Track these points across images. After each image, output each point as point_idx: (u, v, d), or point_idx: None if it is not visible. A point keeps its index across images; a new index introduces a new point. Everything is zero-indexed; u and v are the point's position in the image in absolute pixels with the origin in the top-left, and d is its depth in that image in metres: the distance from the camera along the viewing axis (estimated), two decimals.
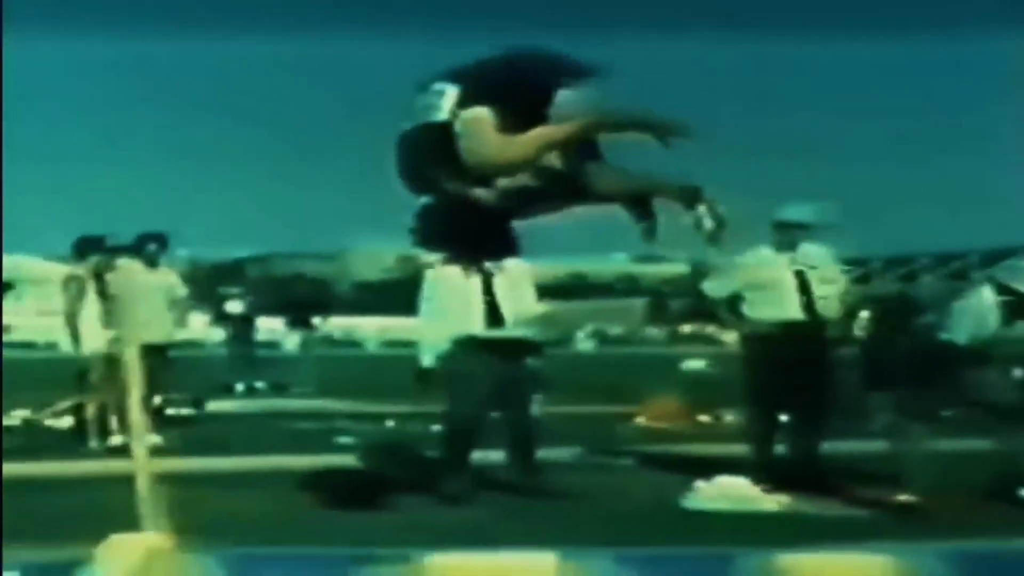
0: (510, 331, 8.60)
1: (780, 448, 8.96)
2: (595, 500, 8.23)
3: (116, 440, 10.71)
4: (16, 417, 12.83)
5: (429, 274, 8.59)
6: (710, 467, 8.67)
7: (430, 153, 3.60)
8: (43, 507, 7.61)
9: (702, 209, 3.56)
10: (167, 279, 12.08)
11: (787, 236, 8.93)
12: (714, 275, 9.60)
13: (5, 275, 64.17)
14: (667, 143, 3.52)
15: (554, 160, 3.67)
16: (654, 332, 58.48)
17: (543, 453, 8.88)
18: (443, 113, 3.60)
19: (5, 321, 50.45)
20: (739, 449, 9.23)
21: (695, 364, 26.33)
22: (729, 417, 12.76)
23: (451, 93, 3.61)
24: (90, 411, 11.11)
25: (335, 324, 39.01)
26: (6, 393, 13.73)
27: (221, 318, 22.24)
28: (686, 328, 54.50)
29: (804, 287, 8.86)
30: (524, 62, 3.70)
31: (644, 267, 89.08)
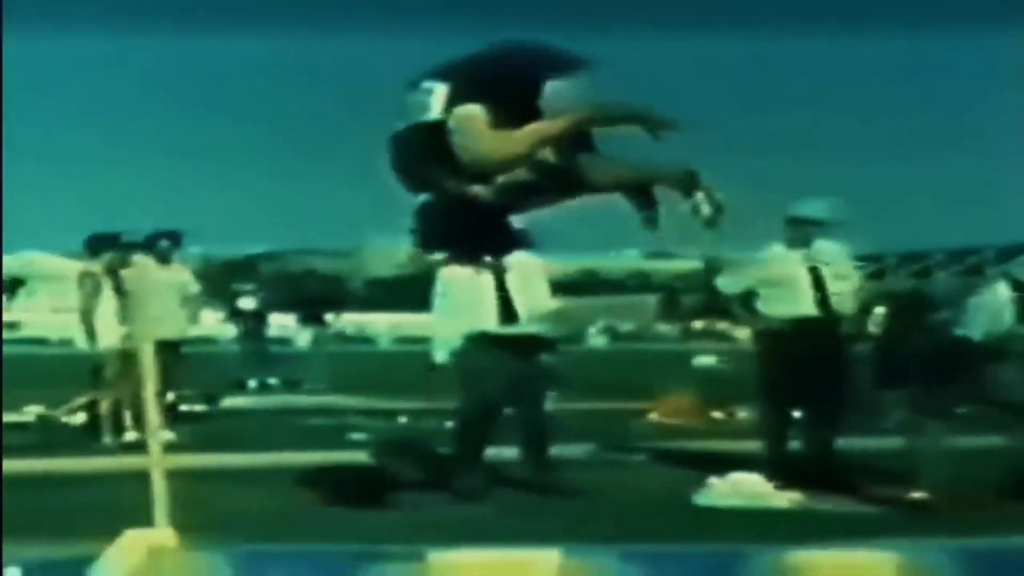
0: (523, 327, 8.60)
1: (794, 445, 8.93)
2: (608, 497, 8.23)
3: (130, 436, 10.74)
4: (30, 413, 12.85)
5: (442, 271, 8.58)
6: (723, 464, 8.65)
7: (425, 153, 3.58)
8: (57, 503, 7.63)
9: (699, 195, 3.57)
10: (180, 276, 12.09)
11: (801, 232, 8.90)
12: (728, 271, 9.57)
13: (18, 272, 64.37)
14: (656, 135, 3.53)
15: (548, 154, 3.66)
16: (666, 328, 58.40)
17: (556, 450, 8.87)
18: (434, 112, 3.58)
19: (17, 317, 50.71)
20: (752, 445, 9.20)
21: (707, 360, 26.29)
22: (742, 413, 12.73)
23: (441, 91, 3.59)
24: (104, 407, 11.13)
25: (347, 320, 39.02)
26: (19, 389, 13.77)
27: (234, 315, 22.27)
28: (698, 324, 54.41)
29: (818, 283, 8.83)
30: (513, 56, 3.68)
31: (656, 263, 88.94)
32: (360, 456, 9.88)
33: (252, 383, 18.43)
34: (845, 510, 7.80)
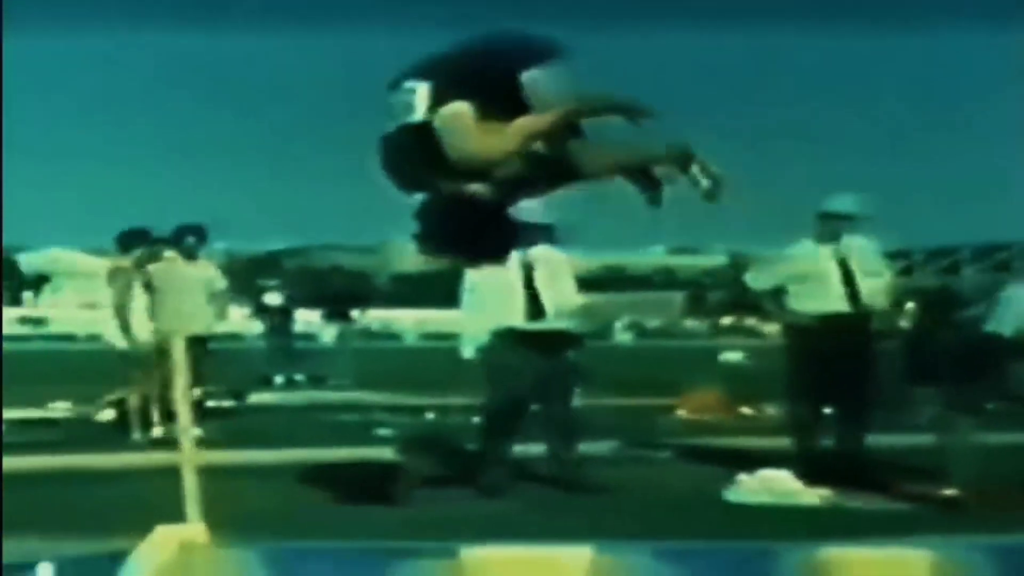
0: (551, 323, 8.58)
1: (823, 441, 8.89)
2: (635, 493, 8.20)
3: (158, 432, 10.77)
4: (57, 409, 12.91)
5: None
6: (751, 460, 8.61)
7: (415, 154, 3.55)
8: (87, 499, 7.65)
9: (695, 169, 3.56)
10: (207, 271, 12.10)
11: (831, 227, 8.86)
12: (757, 267, 9.54)
13: (43, 268, 64.65)
14: (638, 123, 3.51)
15: (539, 145, 3.63)
16: (693, 324, 58.29)
17: (583, 446, 8.84)
18: (420, 112, 3.55)
19: (44, 313, 51.00)
20: (780, 442, 9.17)
21: (734, 356, 26.22)
22: (769, 410, 12.68)
23: (424, 90, 3.56)
24: (133, 403, 11.17)
25: (373, 316, 39.09)
26: (46, 385, 13.84)
27: (260, 311, 22.31)
28: (726, 320, 54.29)
29: (848, 279, 8.79)
30: (492, 48, 3.64)
31: (682, 259, 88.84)
32: (386, 452, 9.88)
33: (278, 379, 18.47)
34: (875, 507, 7.75)
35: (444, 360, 11.39)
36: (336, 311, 23.94)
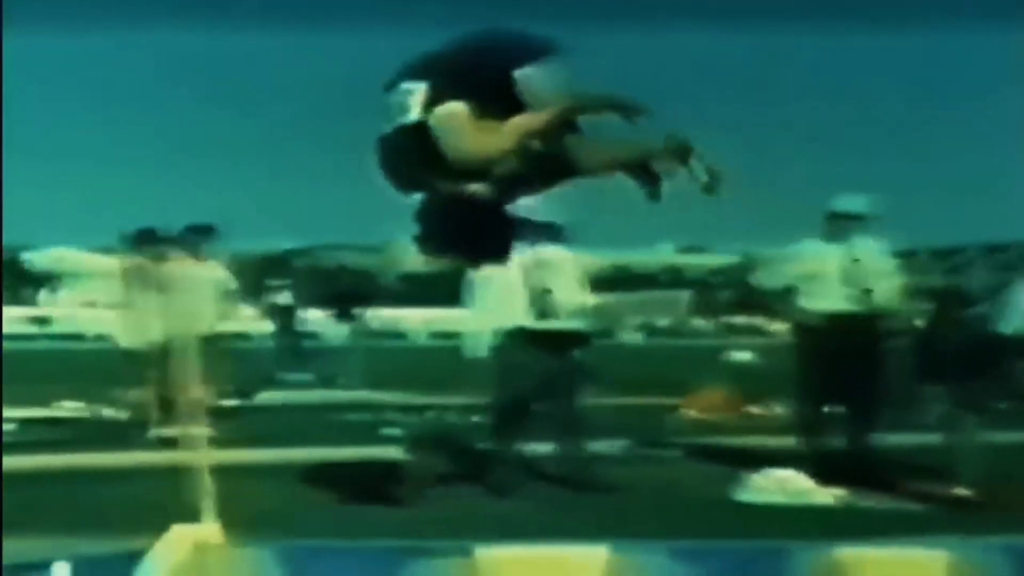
0: (559, 323, 8.58)
1: (832, 440, 8.88)
2: (645, 492, 8.20)
3: (167, 431, 10.77)
4: (67, 408, 12.92)
5: None
6: (761, 459, 8.61)
7: (413, 156, 3.53)
8: (96, 499, 7.66)
9: (693, 163, 3.55)
10: (216, 271, 12.10)
11: (839, 227, 8.86)
12: (765, 266, 9.54)
13: (49, 268, 64.59)
14: (634, 121, 3.50)
15: (536, 143, 3.62)
16: (701, 323, 58.19)
17: (591, 445, 8.84)
18: (416, 113, 3.54)
19: (50, 313, 51.01)
20: (788, 441, 9.16)
21: (742, 355, 26.16)
22: (778, 409, 12.66)
23: (420, 91, 3.55)
24: (142, 402, 11.17)
25: (381, 316, 39.06)
26: (54, 384, 13.85)
27: (268, 310, 22.30)
28: (733, 319, 54.18)
29: (856, 278, 8.78)
30: (485, 46, 3.63)
31: (689, 258, 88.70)
32: (394, 451, 9.88)
33: (286, 378, 18.46)
34: (885, 506, 7.74)
35: (452, 359, 11.39)
36: (344, 310, 23.91)
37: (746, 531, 6.89)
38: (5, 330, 38.09)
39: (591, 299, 8.96)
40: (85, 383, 13.80)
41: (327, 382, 18.15)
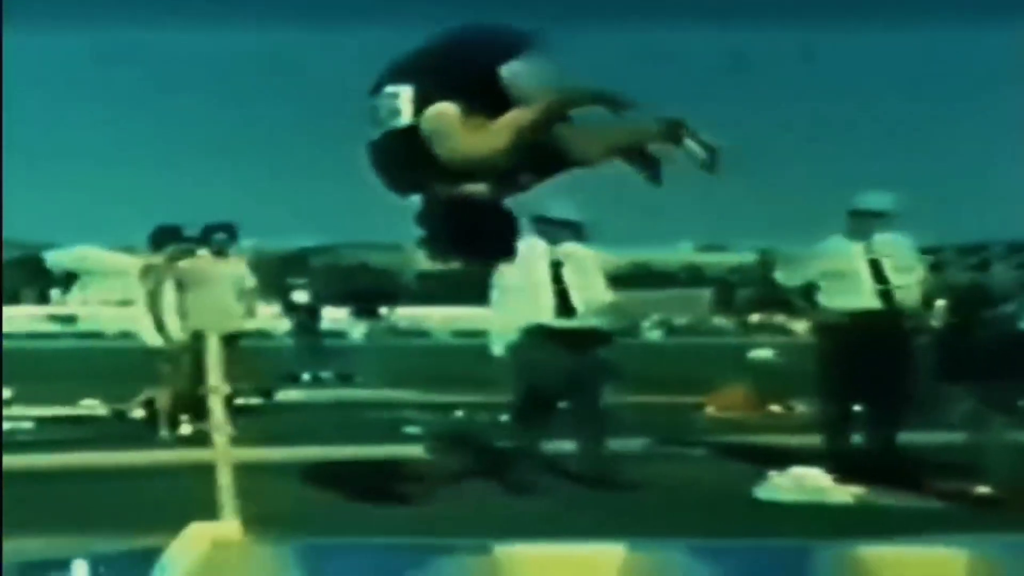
0: (580, 320, 8.57)
1: (854, 439, 8.84)
2: (666, 490, 8.18)
3: (187, 429, 10.80)
4: (87, 406, 12.96)
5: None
6: (781, 458, 8.58)
7: (406, 160, 3.51)
8: (116, 496, 7.68)
9: (688, 142, 3.52)
10: (237, 269, 12.13)
11: (863, 225, 8.83)
12: (788, 264, 9.51)
13: (71, 266, 64.88)
14: (620, 114, 3.48)
15: (528, 137, 3.59)
16: (721, 321, 58.11)
17: (612, 443, 8.82)
18: (405, 116, 3.51)
19: (72, 311, 51.26)
20: (810, 440, 9.13)
21: (763, 353, 26.13)
22: (799, 407, 12.63)
23: (407, 94, 3.52)
24: (163, 401, 11.20)
25: (401, 314, 39.11)
26: (74, 382, 13.90)
27: (288, 308, 22.34)
28: (754, 317, 54.08)
29: (880, 276, 8.75)
30: (467, 44, 3.60)
31: (709, 256, 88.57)
32: (415, 450, 9.88)
33: (306, 377, 18.49)
34: (908, 505, 7.71)
35: (473, 358, 11.38)
36: (364, 309, 23.97)
37: (766, 529, 6.86)
38: (27, 328, 38.35)
39: (612, 297, 8.95)
40: (106, 381, 13.83)
41: (347, 380, 18.18)
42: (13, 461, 8.26)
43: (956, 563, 4.24)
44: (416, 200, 3.61)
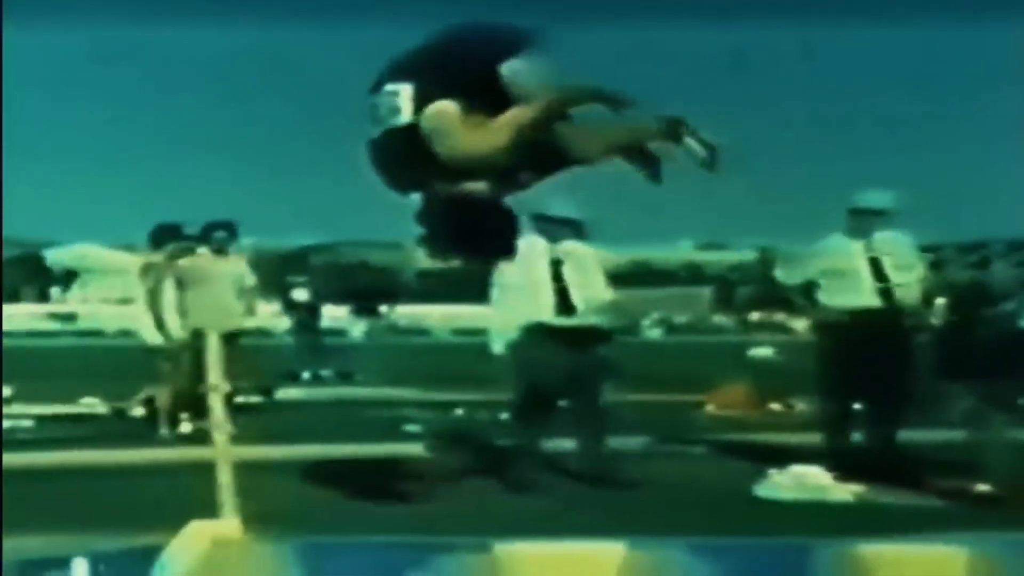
0: (580, 319, 8.57)
1: (854, 437, 8.84)
2: (666, 489, 8.18)
3: (186, 428, 10.80)
4: (87, 405, 12.96)
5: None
6: (781, 456, 8.59)
7: (406, 158, 3.51)
8: (117, 495, 7.68)
9: (688, 140, 3.52)
10: (237, 267, 12.13)
11: (863, 223, 8.83)
12: (788, 262, 9.51)
13: (71, 264, 64.99)
14: (620, 113, 3.48)
15: (528, 135, 3.59)
16: (721, 320, 58.14)
17: (612, 442, 8.82)
18: (404, 115, 3.50)
19: (72, 309, 51.29)
20: (810, 438, 9.13)
21: (763, 352, 26.14)
22: (799, 405, 12.64)
23: (407, 92, 3.51)
24: (162, 399, 11.20)
25: (401, 312, 39.12)
26: (75, 380, 13.89)
27: (288, 306, 22.35)
28: (754, 316, 54.10)
29: (880, 274, 8.75)
30: (466, 42, 3.60)
31: (709, 254, 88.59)
32: (415, 448, 9.88)
33: (306, 375, 18.50)
34: (908, 503, 7.71)
35: (473, 356, 11.39)
36: (364, 307, 23.97)
37: (766, 528, 6.86)
38: (27, 326, 38.37)
39: (612, 295, 8.95)
40: (106, 379, 13.84)
41: (347, 378, 18.18)
42: (13, 459, 8.27)
43: (956, 561, 4.24)
44: (416, 198, 3.61)
